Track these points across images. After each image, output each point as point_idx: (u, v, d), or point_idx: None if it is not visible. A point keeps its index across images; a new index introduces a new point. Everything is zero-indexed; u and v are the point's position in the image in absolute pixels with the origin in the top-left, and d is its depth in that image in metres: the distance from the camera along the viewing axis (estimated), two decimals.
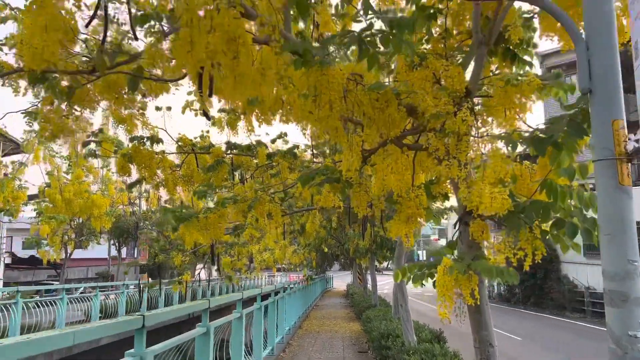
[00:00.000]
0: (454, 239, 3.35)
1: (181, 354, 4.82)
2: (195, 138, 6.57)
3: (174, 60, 2.28)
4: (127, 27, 2.90)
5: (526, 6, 3.61)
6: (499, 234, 3.10)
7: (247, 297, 6.66)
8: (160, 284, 13.09)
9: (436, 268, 2.90)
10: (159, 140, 5.53)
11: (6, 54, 2.92)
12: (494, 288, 28.46)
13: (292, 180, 6.60)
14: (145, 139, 5.43)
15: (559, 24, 3.15)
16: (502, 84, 3.18)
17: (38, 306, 13.18)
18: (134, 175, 5.74)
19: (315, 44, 3.48)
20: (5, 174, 14.05)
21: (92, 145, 6.30)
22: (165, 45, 2.71)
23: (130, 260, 30.30)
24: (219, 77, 2.38)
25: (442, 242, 68.77)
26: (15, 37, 2.91)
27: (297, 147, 7.08)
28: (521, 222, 2.76)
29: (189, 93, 3.70)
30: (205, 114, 3.03)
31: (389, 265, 37.89)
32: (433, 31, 3.60)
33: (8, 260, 27.07)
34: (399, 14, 3.05)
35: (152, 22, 2.40)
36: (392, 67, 4.16)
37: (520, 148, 2.71)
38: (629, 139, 1.84)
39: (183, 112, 4.37)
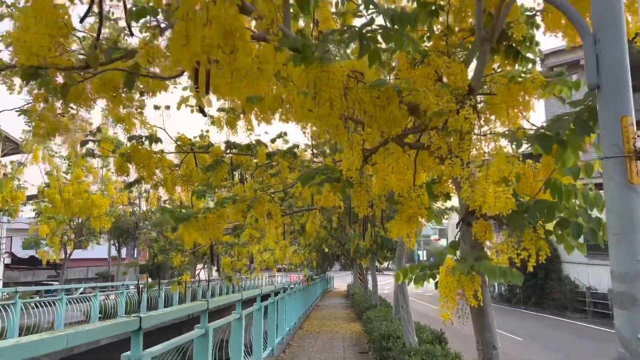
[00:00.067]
0: (456, 239, 3.29)
1: (181, 354, 4.76)
2: (195, 138, 6.52)
3: (170, 57, 2.23)
4: (123, 24, 2.85)
5: (529, 3, 3.56)
6: (500, 234, 3.05)
7: (247, 298, 6.61)
8: (160, 284, 13.04)
9: (438, 269, 2.85)
10: (157, 140, 5.48)
11: (0, 51, 2.87)
12: (494, 288, 28.40)
13: (292, 180, 6.55)
14: (144, 138, 5.38)
15: (563, 20, 3.10)
16: (505, 82, 3.13)
17: (37, 307, 13.14)
18: (133, 175, 5.70)
19: (315, 42, 3.42)
20: (4, 174, 14.00)
21: (91, 145, 6.25)
22: (162, 42, 2.66)
23: (130, 261, 30.26)
24: (216, 74, 2.32)
25: (443, 242, 68.79)
26: (12, 35, 2.86)
27: (297, 146, 7.03)
28: (525, 222, 2.71)
29: (185, 88, 3.65)
30: (202, 110, 2.97)
31: (389, 266, 37.85)
32: (435, 28, 3.55)
33: (8, 261, 27.05)
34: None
35: (148, 17, 2.35)
36: (393, 64, 4.11)
37: (524, 146, 2.65)
38: (638, 136, 1.79)
39: (178, 108, 4.32)
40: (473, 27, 3.41)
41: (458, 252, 3.22)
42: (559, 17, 3.10)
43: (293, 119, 3.71)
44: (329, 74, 2.56)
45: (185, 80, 3.55)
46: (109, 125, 6.23)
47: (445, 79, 3.15)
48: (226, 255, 13.43)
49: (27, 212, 18.87)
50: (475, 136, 2.96)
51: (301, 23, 4.78)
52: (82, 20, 2.61)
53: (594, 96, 2.00)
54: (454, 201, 4.54)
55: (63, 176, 15.36)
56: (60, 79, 2.71)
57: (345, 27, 2.63)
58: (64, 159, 15.63)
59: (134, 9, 2.02)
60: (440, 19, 3.46)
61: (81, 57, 2.99)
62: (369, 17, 2.55)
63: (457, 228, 3.28)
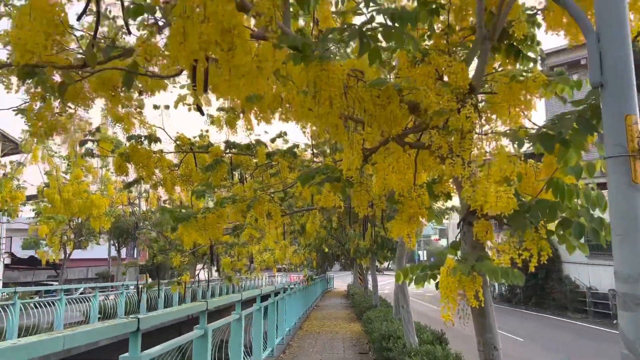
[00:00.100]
0: (457, 239, 3.27)
1: (180, 354, 4.74)
2: (195, 137, 6.50)
3: (168, 55, 2.20)
4: (121, 22, 2.83)
5: (530, 2, 3.54)
6: (501, 234, 3.02)
7: (247, 298, 6.59)
8: (159, 284, 13.02)
9: (439, 269, 2.83)
10: (156, 139, 5.46)
11: None
12: (495, 288, 28.38)
13: (292, 180, 6.52)
14: (143, 138, 5.35)
15: (565, 19, 3.08)
16: (506, 80, 3.11)
17: (37, 307, 13.12)
18: (133, 175, 5.67)
19: (315, 41, 3.40)
20: (4, 174, 13.97)
21: (90, 145, 6.22)
22: (160, 40, 2.64)
23: (129, 261, 30.24)
24: (215, 72, 2.30)
25: (443, 242, 68.78)
26: (9, 33, 2.83)
27: (297, 146, 7.01)
28: (527, 222, 2.69)
29: (182, 87, 3.62)
30: (199, 108, 2.95)
31: (389, 266, 37.83)
32: (435, 27, 3.53)
33: (8, 261, 27.02)
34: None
35: (146, 15, 2.32)
36: (394, 64, 4.09)
37: (526, 145, 2.63)
38: None
39: (176, 106, 4.29)
40: (474, 26, 3.39)
41: (459, 253, 3.20)
42: (561, 15, 3.08)
43: (293, 118, 3.69)
44: (329, 73, 2.53)
45: (184, 79, 3.52)
46: (108, 125, 6.21)
47: (446, 78, 3.13)
48: (226, 256, 13.40)
49: (27, 212, 18.85)
50: (476, 135, 2.94)
51: (301, 22, 4.76)
52: (79, 18, 2.59)
53: (597, 95, 1.98)
54: (455, 201, 4.51)
55: (62, 176, 15.33)
56: (58, 78, 2.69)
57: (345, 25, 2.61)
58: (64, 159, 15.60)
59: (131, 6, 2.00)
60: (441, 17, 3.44)
61: (80, 56, 2.97)
62: (369, 16, 2.53)
63: (458, 228, 3.26)
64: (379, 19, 2.65)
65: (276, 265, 20.23)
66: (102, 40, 3.02)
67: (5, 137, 15.97)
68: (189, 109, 4.16)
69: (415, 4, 3.25)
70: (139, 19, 2.31)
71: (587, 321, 19.39)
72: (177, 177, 5.73)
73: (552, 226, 2.80)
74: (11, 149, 17.03)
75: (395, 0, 4.37)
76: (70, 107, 3.10)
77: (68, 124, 3.42)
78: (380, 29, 2.43)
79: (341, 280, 50.98)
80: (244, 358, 6.51)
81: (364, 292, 22.37)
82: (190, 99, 3.95)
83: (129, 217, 25.26)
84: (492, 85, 3.49)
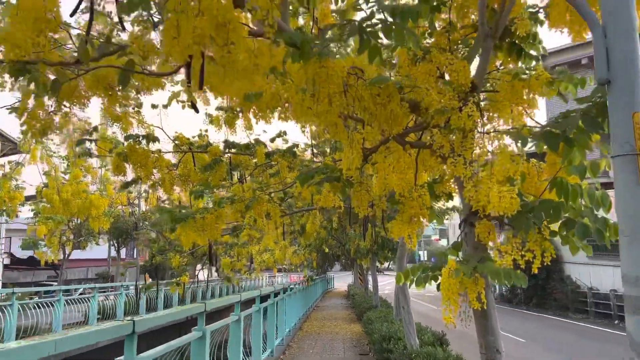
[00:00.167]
0: (459, 240, 3.21)
1: (180, 354, 4.69)
2: (194, 137, 6.45)
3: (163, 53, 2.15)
4: (116, 19, 2.77)
5: (532, 0, 3.48)
6: (502, 234, 2.97)
7: (246, 299, 6.54)
8: (158, 285, 12.96)
9: (440, 270, 2.78)
10: (155, 139, 5.40)
11: None
12: (495, 288, 28.33)
13: (292, 180, 6.47)
14: (141, 138, 5.29)
15: (568, 15, 3.02)
16: (509, 79, 3.06)
17: (36, 308, 13.07)
18: (131, 175, 5.62)
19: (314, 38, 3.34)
20: (2, 174, 13.92)
21: (88, 144, 6.16)
22: (156, 38, 2.59)
23: (128, 261, 30.20)
24: (212, 70, 2.25)
25: (444, 242, 68.74)
26: (2, 29, 2.78)
27: (297, 146, 6.96)
28: (530, 223, 2.63)
29: (176, 83, 3.56)
30: (194, 105, 2.89)
31: (390, 266, 37.78)
32: (436, 25, 3.48)
33: (7, 261, 26.98)
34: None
35: (140, 11, 2.27)
36: (394, 62, 4.04)
37: (529, 144, 2.58)
38: None
39: (169, 103, 4.23)
40: (476, 24, 3.33)
41: (460, 254, 3.15)
42: (564, 12, 3.02)
43: (292, 117, 3.64)
44: (328, 70, 2.48)
45: (182, 77, 3.46)
46: (107, 125, 6.16)
47: (447, 76, 3.08)
48: (226, 256, 13.35)
49: (26, 213, 18.80)
50: (478, 134, 2.89)
51: (300, 22, 4.70)
52: (72, 14, 2.53)
53: (603, 92, 1.92)
54: (456, 201, 4.46)
55: (61, 176, 15.28)
56: (52, 76, 2.63)
57: (345, 21, 2.55)
58: (63, 159, 15.54)
59: (124, 1, 1.95)
60: (443, 15, 3.39)
61: (76, 54, 2.92)
62: (369, 12, 2.48)
63: (459, 228, 3.21)
64: (380, 16, 2.60)
65: (276, 265, 20.17)
66: (98, 37, 2.96)
67: (3, 137, 15.92)
68: (183, 107, 4.10)
69: (416, 1, 3.20)
70: (134, 14, 2.26)
71: (588, 322, 19.35)
72: (175, 177, 5.67)
73: (554, 227, 2.75)
74: (10, 149, 16.97)
75: None
76: (65, 106, 3.05)
77: (66, 123, 3.37)
78: (380, 25, 2.38)
79: (341, 281, 50.92)
80: (243, 359, 6.46)
81: (365, 293, 22.32)
82: (184, 96, 3.90)
83: (128, 217, 25.20)
84: (494, 83, 3.44)
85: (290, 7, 3.86)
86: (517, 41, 3.42)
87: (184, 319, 11.31)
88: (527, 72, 3.13)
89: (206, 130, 6.70)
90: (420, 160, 3.11)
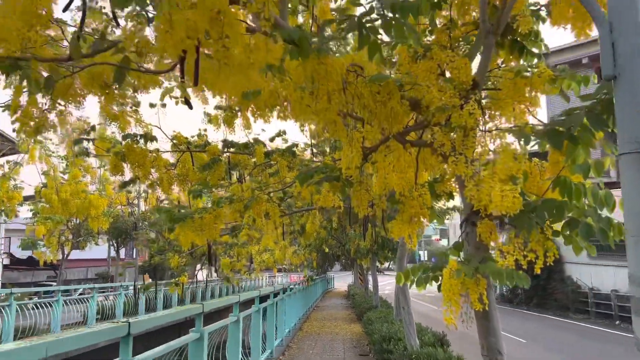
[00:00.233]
0: (460, 240, 3.17)
1: (179, 354, 4.64)
2: (192, 136, 6.40)
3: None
4: (111, 15, 2.73)
5: None
6: (503, 234, 2.93)
7: (245, 300, 6.49)
8: (157, 285, 12.92)
9: (441, 271, 2.73)
10: (153, 138, 5.35)
11: None
12: (496, 288, 28.30)
13: (291, 180, 6.42)
14: (139, 137, 5.25)
15: (571, 12, 2.98)
16: (511, 76, 3.01)
17: (35, 308, 13.02)
18: (129, 174, 5.57)
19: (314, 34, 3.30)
20: (1, 174, 13.87)
21: (85, 144, 6.11)
22: (151, 34, 2.53)
23: (126, 262, 30.17)
24: (207, 67, 2.20)
25: (444, 242, 68.69)
26: None
27: (297, 145, 6.90)
28: (532, 222, 2.58)
29: (169, 78, 3.50)
30: (187, 101, 2.84)
31: (390, 266, 37.75)
32: (437, 22, 3.43)
33: (6, 261, 26.94)
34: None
35: (134, 6, 2.22)
36: (394, 60, 3.99)
37: (532, 142, 2.53)
38: None
39: (162, 99, 4.18)
40: (477, 21, 3.29)
41: (461, 254, 3.10)
42: (567, 8, 2.98)
43: (291, 115, 3.59)
44: (327, 67, 2.43)
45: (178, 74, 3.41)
46: (106, 125, 6.11)
47: (448, 74, 3.03)
48: (225, 256, 13.31)
49: (25, 213, 18.76)
50: (479, 132, 2.84)
51: (300, 19, 4.66)
52: (65, 9, 2.48)
53: (609, 88, 1.87)
54: (456, 201, 4.41)
55: (60, 176, 15.23)
56: (45, 72, 2.58)
57: (344, 17, 2.51)
58: (62, 159, 15.50)
59: None
60: (444, 12, 3.34)
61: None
62: (368, 7, 2.43)
63: (460, 228, 3.16)
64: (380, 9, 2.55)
65: (276, 265, 20.12)
66: (93, 34, 2.91)
67: (2, 137, 15.87)
68: (177, 102, 4.05)
69: None
70: (128, 9, 2.21)
71: (589, 322, 19.30)
72: (173, 177, 5.62)
73: (557, 226, 2.71)
74: (9, 149, 16.93)
75: None
76: (60, 104, 2.99)
77: (62, 122, 3.32)
78: (380, 20, 2.33)
79: (342, 281, 50.89)
80: None
81: (365, 293, 22.28)
82: (178, 92, 3.84)
83: (127, 217, 25.16)
84: (496, 81, 3.39)
85: (290, 5, 3.81)
86: (518, 38, 3.37)
87: (183, 319, 11.26)
88: (530, 69, 3.09)
89: (205, 130, 6.66)
90: (420, 159, 3.06)
